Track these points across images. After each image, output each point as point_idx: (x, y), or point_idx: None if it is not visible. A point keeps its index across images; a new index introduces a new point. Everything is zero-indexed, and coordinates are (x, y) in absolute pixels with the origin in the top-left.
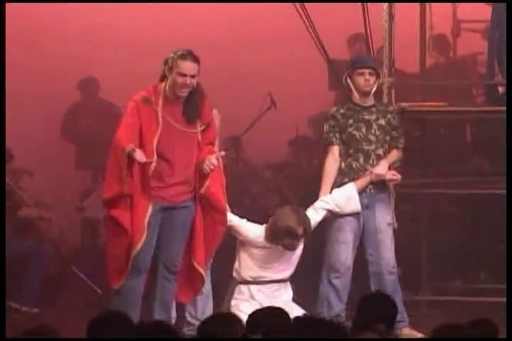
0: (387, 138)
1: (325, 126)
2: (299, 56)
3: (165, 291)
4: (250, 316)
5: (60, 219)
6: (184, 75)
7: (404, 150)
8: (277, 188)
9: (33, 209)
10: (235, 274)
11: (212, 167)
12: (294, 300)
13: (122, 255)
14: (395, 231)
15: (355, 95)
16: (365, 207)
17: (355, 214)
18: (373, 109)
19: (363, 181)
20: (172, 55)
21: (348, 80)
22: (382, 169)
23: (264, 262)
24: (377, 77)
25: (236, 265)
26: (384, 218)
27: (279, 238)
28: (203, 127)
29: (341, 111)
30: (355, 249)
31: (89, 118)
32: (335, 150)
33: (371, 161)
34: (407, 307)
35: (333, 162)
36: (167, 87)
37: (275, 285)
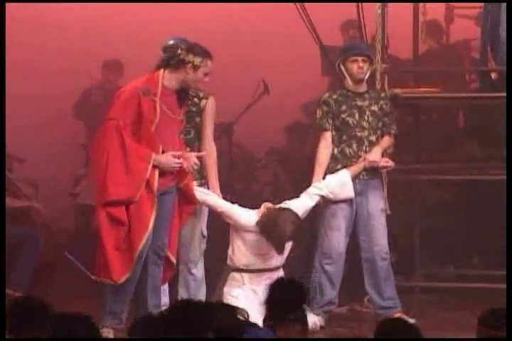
0: (380, 124)
1: (317, 112)
2: (292, 43)
3: (155, 277)
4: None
5: (53, 205)
6: (207, 74)
7: (397, 137)
8: (272, 172)
9: (23, 200)
10: (228, 261)
11: (195, 167)
12: None
13: (123, 247)
14: (387, 217)
15: (348, 82)
16: (358, 193)
17: (348, 201)
18: (366, 96)
19: (356, 168)
20: (191, 53)
21: (342, 67)
22: (375, 156)
23: (257, 247)
24: (371, 63)
25: (230, 251)
26: (377, 204)
27: (281, 243)
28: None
29: (334, 96)
30: (348, 235)
31: (102, 102)
32: (328, 136)
33: (364, 148)
34: (400, 293)
35: (326, 148)
36: (172, 78)
37: (267, 274)
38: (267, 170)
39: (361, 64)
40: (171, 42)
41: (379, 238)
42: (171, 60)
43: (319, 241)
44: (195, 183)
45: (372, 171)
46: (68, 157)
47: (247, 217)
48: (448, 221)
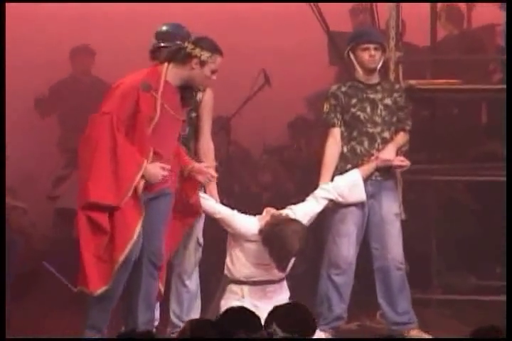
0: (394, 119)
1: (325, 106)
2: (296, 28)
3: (149, 290)
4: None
5: (30, 209)
6: (215, 71)
7: (412, 133)
8: (273, 174)
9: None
10: (226, 272)
11: (212, 180)
12: (292, 298)
13: (103, 256)
14: (402, 222)
15: (359, 72)
16: (369, 196)
17: (359, 204)
18: (378, 88)
19: (368, 167)
20: (198, 46)
21: (351, 55)
22: (389, 154)
23: (258, 258)
24: (383, 52)
25: (228, 261)
26: (391, 208)
27: (286, 260)
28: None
29: (343, 89)
30: (359, 242)
31: (77, 96)
32: (336, 133)
33: (376, 145)
34: (415, 306)
35: (334, 146)
36: (176, 73)
37: (270, 286)
38: (267, 170)
39: (373, 52)
40: (164, 28)
41: (393, 245)
42: (177, 53)
43: (326, 250)
44: None
45: (386, 171)
46: (46, 156)
47: (248, 225)
48: (468, 226)
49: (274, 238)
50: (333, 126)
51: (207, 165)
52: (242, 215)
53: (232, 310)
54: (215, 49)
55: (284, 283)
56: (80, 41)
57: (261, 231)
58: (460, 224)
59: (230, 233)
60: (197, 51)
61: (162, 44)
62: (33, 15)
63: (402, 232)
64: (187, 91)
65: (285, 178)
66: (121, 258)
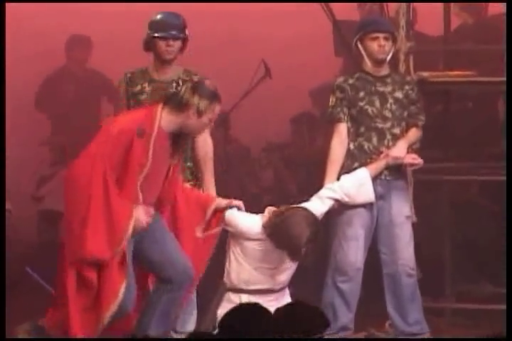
0: (405, 114)
1: (330, 100)
2: (299, 17)
3: (168, 309)
4: None
5: (13, 211)
6: (213, 119)
7: (424, 129)
8: (274, 172)
9: None
10: (225, 277)
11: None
12: None
13: (92, 307)
14: (413, 225)
15: (367, 63)
16: (378, 196)
17: (367, 206)
18: (388, 80)
19: (377, 166)
20: (197, 93)
21: (359, 46)
22: (399, 151)
23: (260, 260)
24: (394, 41)
25: (227, 265)
26: (401, 210)
27: (298, 247)
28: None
29: (350, 81)
30: (367, 247)
31: (71, 89)
32: (342, 129)
33: (386, 142)
34: (428, 316)
35: (340, 142)
36: (171, 120)
37: (272, 295)
38: (268, 169)
39: (382, 42)
40: (159, 17)
41: (403, 250)
42: (173, 98)
43: (332, 254)
44: (187, 185)
45: (396, 170)
46: (30, 154)
47: (250, 223)
48: (484, 230)
49: (280, 227)
50: (340, 121)
51: (229, 202)
52: (243, 213)
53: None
54: (214, 97)
55: (286, 292)
56: (75, 32)
57: (265, 227)
58: (475, 227)
59: (230, 233)
60: (195, 99)
61: (156, 34)
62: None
63: (413, 236)
64: (180, 138)
65: (287, 177)
66: (107, 315)
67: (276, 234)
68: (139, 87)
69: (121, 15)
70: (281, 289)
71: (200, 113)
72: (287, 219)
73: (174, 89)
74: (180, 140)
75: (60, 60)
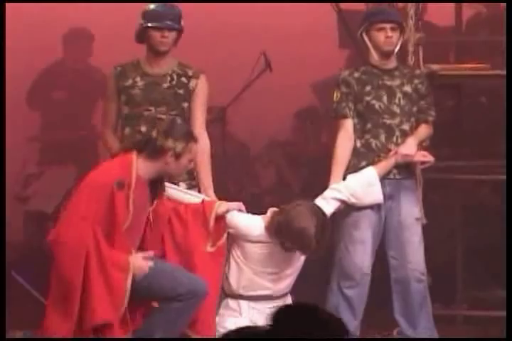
0: (414, 109)
1: (335, 94)
2: (302, 6)
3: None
4: None
5: None
6: (192, 159)
7: (435, 125)
8: (275, 172)
9: None
10: (223, 284)
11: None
12: None
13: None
14: (423, 227)
15: (374, 55)
16: (387, 197)
17: (375, 207)
18: (396, 73)
19: (385, 164)
20: (170, 137)
21: (365, 37)
22: (409, 148)
23: (261, 265)
24: (402, 32)
25: (226, 270)
26: (410, 211)
27: (309, 241)
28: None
29: (356, 75)
30: (375, 250)
31: (67, 85)
32: (348, 125)
33: (395, 139)
34: (439, 323)
35: (346, 140)
36: (148, 167)
37: (272, 302)
38: (268, 168)
39: (389, 33)
40: (153, 6)
41: (413, 254)
42: (146, 145)
43: (337, 258)
44: (183, 185)
45: (406, 169)
46: (16, 151)
47: (250, 223)
48: (498, 232)
49: (285, 222)
50: (345, 117)
51: (228, 207)
52: (244, 214)
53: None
54: (189, 136)
55: (288, 298)
56: (74, 25)
57: (268, 228)
58: (489, 230)
59: (230, 235)
60: (170, 143)
61: (150, 24)
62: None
63: (423, 239)
64: (159, 182)
65: (289, 177)
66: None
67: (282, 231)
68: (130, 81)
69: (124, 9)
70: (283, 296)
71: (178, 156)
72: (290, 213)
73: (168, 84)
74: (160, 184)
75: (57, 53)
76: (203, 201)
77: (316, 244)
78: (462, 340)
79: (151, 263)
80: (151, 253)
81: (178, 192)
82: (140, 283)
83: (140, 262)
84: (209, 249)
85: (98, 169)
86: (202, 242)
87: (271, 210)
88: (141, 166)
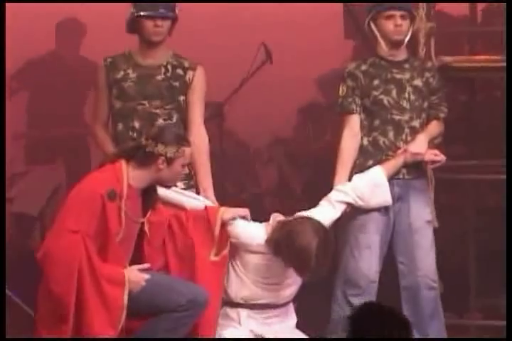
0: (425, 104)
1: (340, 89)
2: None
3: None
4: None
5: None
6: (186, 164)
7: (447, 122)
8: (276, 172)
9: None
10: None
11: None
12: (299, 325)
13: None
14: (435, 231)
15: (382, 46)
16: (396, 198)
17: (383, 209)
18: (406, 66)
19: (394, 164)
20: (160, 142)
21: (372, 26)
22: (419, 147)
23: (262, 275)
24: (412, 21)
25: (225, 279)
26: (421, 214)
27: (308, 262)
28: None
29: (363, 67)
30: (382, 256)
31: (56, 79)
32: (354, 122)
33: (404, 136)
34: (451, 333)
35: (351, 137)
36: (139, 176)
37: (274, 311)
38: (269, 168)
39: (399, 21)
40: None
41: (424, 260)
42: (135, 152)
43: (342, 264)
44: (180, 184)
45: (416, 168)
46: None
47: (253, 232)
48: None
49: (284, 240)
50: (351, 113)
51: (233, 213)
52: (247, 222)
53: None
54: (180, 139)
55: (290, 307)
56: (68, 15)
57: (269, 240)
58: (504, 234)
59: (230, 243)
60: (160, 149)
61: (142, 13)
62: None
63: (434, 243)
64: (150, 192)
65: (291, 177)
66: None
67: (281, 248)
68: (121, 73)
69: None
70: (286, 304)
71: (170, 161)
72: (291, 230)
73: (163, 76)
74: (152, 193)
75: (47, 45)
76: (206, 207)
77: (316, 266)
78: (462, 340)
79: (147, 276)
80: (146, 265)
81: (176, 195)
82: (138, 296)
83: (136, 275)
84: (213, 257)
85: (87, 179)
86: (205, 251)
87: (275, 217)
88: (132, 175)
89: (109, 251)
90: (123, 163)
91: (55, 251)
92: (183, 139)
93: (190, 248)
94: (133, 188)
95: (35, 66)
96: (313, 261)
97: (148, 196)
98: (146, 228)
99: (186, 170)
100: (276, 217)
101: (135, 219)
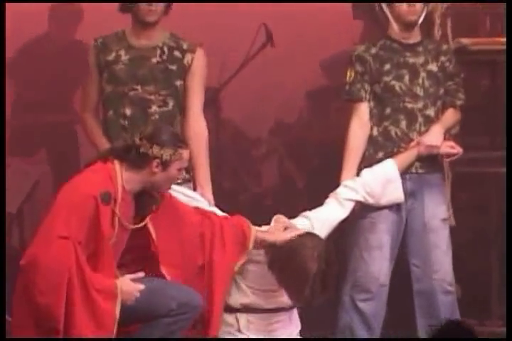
0: (441, 91)
1: (348, 74)
2: None
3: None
4: None
5: None
6: (181, 169)
7: (464, 110)
8: (277, 164)
9: None
10: None
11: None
12: (302, 334)
13: None
14: (451, 230)
15: (394, 27)
16: (409, 194)
17: (394, 207)
18: (420, 49)
19: (406, 156)
20: (156, 143)
21: (383, 6)
22: (434, 138)
23: (261, 283)
24: (427, 1)
25: None
26: (436, 211)
27: (302, 288)
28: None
29: (373, 50)
30: (394, 257)
31: (45, 62)
32: (363, 110)
33: (417, 126)
34: None
35: (360, 127)
36: (132, 178)
37: (276, 316)
38: (269, 159)
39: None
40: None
41: (439, 261)
42: (128, 153)
43: (351, 267)
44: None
45: (430, 161)
46: None
47: None
48: None
49: (282, 260)
50: (360, 100)
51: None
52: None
53: None
54: (177, 141)
55: (294, 313)
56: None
57: (267, 252)
58: (505, 234)
59: None
60: (155, 151)
61: None
62: None
63: (451, 244)
64: (144, 198)
65: (293, 171)
66: None
67: (278, 267)
68: (113, 55)
69: None
70: (289, 309)
71: (165, 165)
72: (289, 251)
73: (158, 58)
74: (144, 200)
75: (31, 26)
76: (238, 218)
77: (312, 294)
78: (461, 340)
79: (141, 286)
80: (141, 274)
81: (177, 195)
82: (125, 304)
83: (129, 286)
84: (236, 268)
85: (78, 179)
86: (234, 261)
87: (276, 219)
88: (125, 177)
89: (100, 258)
90: (116, 163)
91: (43, 259)
92: (180, 141)
93: (222, 257)
94: (126, 192)
95: (24, 49)
96: (308, 287)
97: (142, 202)
98: (152, 233)
99: (182, 175)
100: (279, 219)
101: (126, 225)
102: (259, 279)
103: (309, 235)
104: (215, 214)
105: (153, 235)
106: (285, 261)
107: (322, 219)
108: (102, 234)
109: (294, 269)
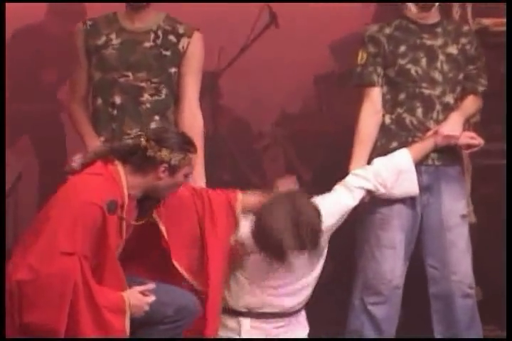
0: (461, 76)
1: (359, 56)
2: None
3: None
4: None
5: None
6: (188, 175)
7: (486, 97)
8: (281, 155)
9: None
10: None
11: None
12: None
13: None
14: (471, 227)
15: (410, 7)
16: (424, 188)
17: (408, 201)
18: (439, 30)
19: (422, 147)
20: (169, 150)
21: None
22: (453, 127)
23: (263, 278)
24: None
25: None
26: (454, 207)
27: (280, 250)
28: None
29: (387, 31)
30: (408, 257)
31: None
32: (375, 95)
33: (435, 114)
34: None
35: (372, 114)
36: (136, 183)
37: (281, 320)
38: (273, 151)
39: None
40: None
41: (458, 262)
42: (133, 155)
43: (361, 267)
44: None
45: (449, 153)
46: None
47: (246, 227)
48: None
49: (261, 221)
50: (371, 84)
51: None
52: (244, 217)
53: None
54: (187, 146)
55: (301, 316)
56: None
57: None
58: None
59: None
60: (163, 154)
61: None
62: None
63: (471, 243)
64: (146, 202)
65: (299, 162)
66: None
67: (255, 230)
68: (103, 39)
69: None
70: (295, 312)
71: (173, 169)
72: (261, 212)
73: (151, 42)
74: (146, 205)
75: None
76: (222, 191)
77: (295, 247)
78: (463, 340)
79: (152, 299)
80: (151, 285)
81: None
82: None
83: (138, 299)
84: (232, 242)
85: (80, 187)
86: (228, 234)
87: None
88: (129, 181)
89: (107, 269)
90: (119, 165)
91: (45, 277)
92: (190, 145)
93: (213, 230)
94: (131, 197)
95: (16, 34)
96: (286, 243)
97: (143, 206)
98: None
99: (189, 179)
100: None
101: (133, 223)
102: (259, 272)
103: (292, 192)
104: (202, 188)
105: (163, 231)
106: (260, 222)
107: (330, 200)
108: (109, 245)
109: (270, 226)
